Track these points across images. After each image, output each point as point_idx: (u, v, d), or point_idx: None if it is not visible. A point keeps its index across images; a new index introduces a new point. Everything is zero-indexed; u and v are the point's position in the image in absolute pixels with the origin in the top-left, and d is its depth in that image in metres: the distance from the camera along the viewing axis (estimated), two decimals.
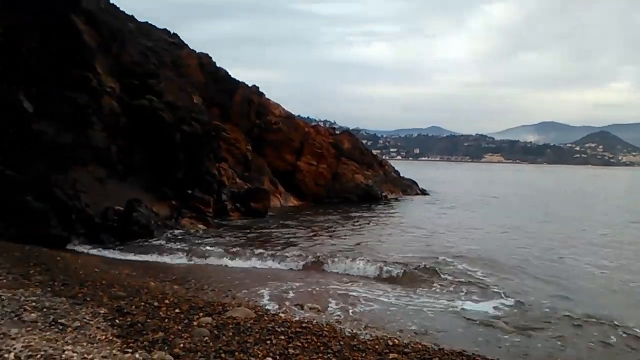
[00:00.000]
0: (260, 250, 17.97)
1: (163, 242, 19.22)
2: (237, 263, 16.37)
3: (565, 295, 13.82)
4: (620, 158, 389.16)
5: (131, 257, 16.80)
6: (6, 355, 5.23)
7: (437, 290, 13.93)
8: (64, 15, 21.37)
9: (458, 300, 12.92)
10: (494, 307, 12.40)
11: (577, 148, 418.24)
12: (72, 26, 21.67)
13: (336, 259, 16.60)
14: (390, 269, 15.55)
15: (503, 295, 13.39)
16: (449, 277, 15.14)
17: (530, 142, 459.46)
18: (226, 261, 16.57)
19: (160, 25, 39.17)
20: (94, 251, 17.06)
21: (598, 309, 12.38)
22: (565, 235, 25.35)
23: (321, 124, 79.60)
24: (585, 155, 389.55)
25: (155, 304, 9.36)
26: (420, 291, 13.74)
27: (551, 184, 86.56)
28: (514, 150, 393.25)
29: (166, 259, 16.49)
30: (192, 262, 16.17)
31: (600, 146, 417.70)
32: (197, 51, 38.65)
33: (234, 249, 18.02)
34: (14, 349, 5.45)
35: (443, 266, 16.56)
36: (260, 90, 41.40)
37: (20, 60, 19.21)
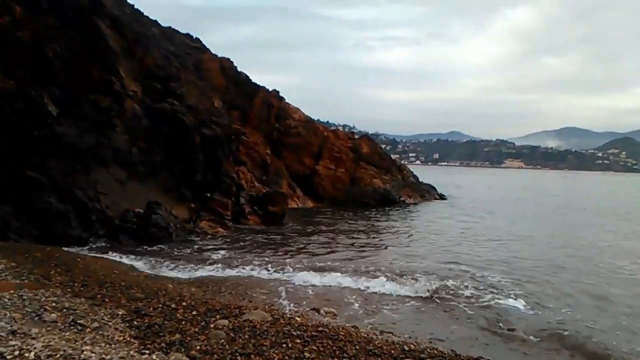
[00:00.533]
0: (277, 260, 17.51)
1: (179, 251, 18.53)
2: (253, 273, 15.64)
3: (595, 306, 13.45)
4: None
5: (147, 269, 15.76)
6: (26, 355, 5.32)
7: (457, 298, 13.80)
8: (89, 20, 21.72)
9: (478, 309, 12.81)
10: (516, 317, 12.22)
11: (600, 154, 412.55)
12: (97, 30, 22.00)
13: (353, 272, 16.10)
14: (409, 279, 15.19)
15: (524, 304, 13.22)
16: (470, 286, 14.98)
17: (552, 147, 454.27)
18: (242, 272, 15.75)
19: (183, 30, 39.65)
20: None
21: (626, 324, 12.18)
22: (595, 243, 24.93)
23: (340, 128, 79.64)
24: (608, 162, 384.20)
25: (173, 306, 9.45)
26: (440, 299, 13.65)
27: (575, 190, 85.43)
28: (535, 156, 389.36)
29: (178, 274, 15.02)
30: (207, 275, 15.58)
31: (623, 152, 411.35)
32: (219, 55, 39.02)
33: (250, 259, 17.47)
34: (34, 348, 5.54)
35: (463, 274, 16.44)
36: (280, 94, 41.64)
37: (45, 63, 19.54)
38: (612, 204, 54.85)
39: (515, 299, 13.54)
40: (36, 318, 7.20)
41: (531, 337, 10.64)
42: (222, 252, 18.48)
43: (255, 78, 40.37)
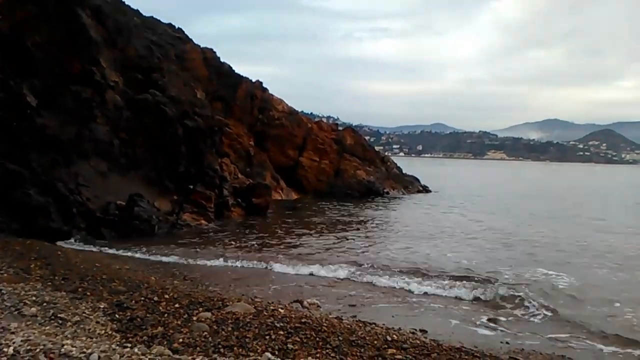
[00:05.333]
0: (262, 253, 17.53)
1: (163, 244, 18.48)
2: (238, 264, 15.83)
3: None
4: (623, 156, 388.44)
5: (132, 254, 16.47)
6: (5, 350, 5.24)
7: (441, 287, 13.95)
8: (70, 10, 21.40)
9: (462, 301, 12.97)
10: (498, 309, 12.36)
11: (581, 146, 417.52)
12: (78, 20, 21.69)
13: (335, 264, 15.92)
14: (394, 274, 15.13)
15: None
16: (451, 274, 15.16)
17: (534, 139, 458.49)
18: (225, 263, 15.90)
19: (167, 20, 39.24)
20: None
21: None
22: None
23: (324, 120, 79.55)
24: (589, 153, 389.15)
25: (155, 298, 9.40)
26: (424, 286, 13.79)
27: (560, 182, 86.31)
28: (517, 148, 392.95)
29: (164, 259, 16.07)
30: (191, 263, 15.87)
31: (603, 144, 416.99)
32: (203, 46, 38.70)
33: (234, 252, 17.61)
34: (13, 343, 5.46)
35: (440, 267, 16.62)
36: (265, 85, 41.47)
37: (25, 54, 19.22)
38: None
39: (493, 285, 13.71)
40: (15, 312, 7.10)
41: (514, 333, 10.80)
42: (203, 250, 18.02)
43: (241, 69, 40.16)
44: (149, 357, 5.68)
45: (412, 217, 29.60)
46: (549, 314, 11.91)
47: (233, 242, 19.44)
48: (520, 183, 76.62)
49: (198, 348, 6.87)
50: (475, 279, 14.80)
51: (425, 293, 13.32)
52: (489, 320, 11.33)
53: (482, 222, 28.18)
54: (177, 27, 39.36)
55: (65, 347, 5.61)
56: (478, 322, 11.19)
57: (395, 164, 50.78)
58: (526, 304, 12.48)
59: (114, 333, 7.11)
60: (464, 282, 14.30)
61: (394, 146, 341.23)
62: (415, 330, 10.05)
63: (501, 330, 10.74)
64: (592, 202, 46.41)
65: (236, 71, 39.77)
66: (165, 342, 6.94)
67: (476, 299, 12.92)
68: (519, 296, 13.04)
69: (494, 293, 13.26)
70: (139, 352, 6.16)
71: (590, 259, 18.80)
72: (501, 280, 14.76)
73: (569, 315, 11.76)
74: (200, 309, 8.97)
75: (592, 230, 26.49)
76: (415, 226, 25.92)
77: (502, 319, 11.49)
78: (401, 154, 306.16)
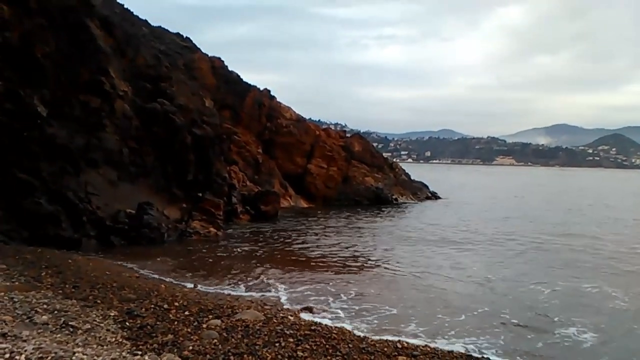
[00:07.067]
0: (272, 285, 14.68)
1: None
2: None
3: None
4: (633, 161, 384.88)
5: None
6: (17, 357, 5.26)
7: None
8: (78, 20, 21.57)
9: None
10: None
11: (590, 151, 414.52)
12: (86, 30, 21.86)
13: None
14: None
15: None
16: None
17: (542, 144, 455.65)
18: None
19: (175, 29, 39.58)
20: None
21: None
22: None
23: (332, 127, 79.54)
24: (598, 158, 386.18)
25: (165, 306, 9.42)
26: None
27: (566, 188, 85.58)
28: (526, 153, 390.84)
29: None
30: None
31: (613, 149, 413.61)
32: (211, 54, 38.92)
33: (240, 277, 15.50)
34: (25, 350, 5.49)
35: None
36: (272, 93, 41.58)
37: (35, 64, 19.36)
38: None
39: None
40: (27, 320, 7.14)
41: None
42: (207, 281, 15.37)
43: (249, 77, 40.30)
44: None
45: (428, 227, 28.69)
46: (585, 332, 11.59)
47: (239, 264, 17.45)
48: (530, 189, 75.94)
49: (208, 356, 6.88)
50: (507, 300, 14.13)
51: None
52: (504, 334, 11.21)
53: (502, 230, 27.87)
54: (185, 36, 39.68)
55: (76, 354, 5.64)
56: (487, 331, 11.15)
57: (404, 170, 50.64)
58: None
59: (124, 341, 7.13)
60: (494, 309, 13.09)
61: (402, 152, 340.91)
62: (425, 339, 10.02)
63: (512, 340, 10.68)
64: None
65: (244, 79, 39.97)
66: (175, 350, 6.96)
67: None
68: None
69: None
70: None
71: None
72: (531, 294, 14.53)
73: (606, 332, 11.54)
74: (210, 316, 8.99)
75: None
76: (433, 237, 24.95)
77: (515, 329, 11.43)
78: (409, 160, 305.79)
